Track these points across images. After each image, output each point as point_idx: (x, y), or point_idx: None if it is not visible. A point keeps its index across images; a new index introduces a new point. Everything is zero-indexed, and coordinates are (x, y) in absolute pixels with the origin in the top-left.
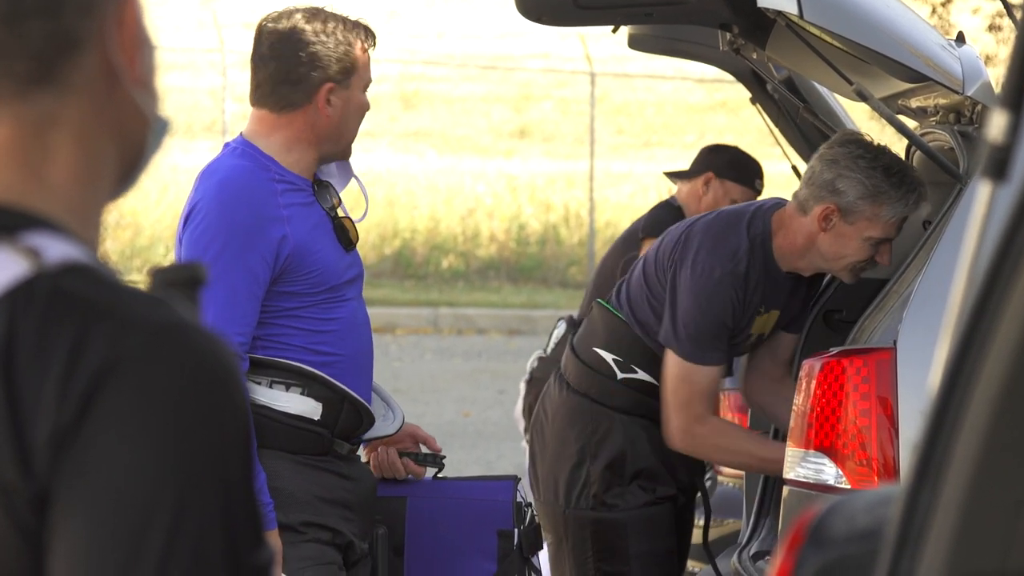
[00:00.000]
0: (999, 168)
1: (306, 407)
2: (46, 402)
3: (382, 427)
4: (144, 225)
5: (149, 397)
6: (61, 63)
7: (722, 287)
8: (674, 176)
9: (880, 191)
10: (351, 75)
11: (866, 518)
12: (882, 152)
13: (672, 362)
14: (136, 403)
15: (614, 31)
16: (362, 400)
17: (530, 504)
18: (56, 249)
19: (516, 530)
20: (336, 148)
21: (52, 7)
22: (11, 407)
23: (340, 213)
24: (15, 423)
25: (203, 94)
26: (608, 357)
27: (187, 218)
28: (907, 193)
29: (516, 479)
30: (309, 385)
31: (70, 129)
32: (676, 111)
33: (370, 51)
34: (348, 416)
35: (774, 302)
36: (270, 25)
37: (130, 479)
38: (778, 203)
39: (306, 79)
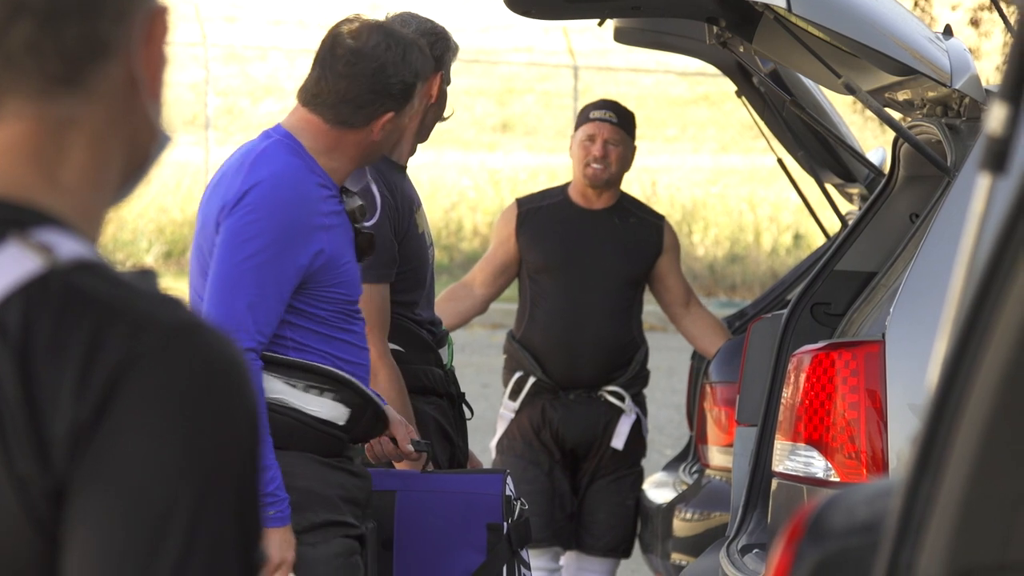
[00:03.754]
0: (998, 160)
1: (335, 412)
2: (64, 398)
3: None
4: (127, 219)
5: (166, 396)
6: (90, 67)
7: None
8: None
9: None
10: (408, 104)
11: (866, 511)
12: None
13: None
14: (153, 402)
15: (600, 24)
16: (384, 408)
17: (519, 498)
18: (67, 246)
19: (505, 523)
20: (370, 163)
21: (90, 10)
22: (28, 399)
23: (361, 223)
24: (32, 415)
25: (185, 88)
26: None
27: (236, 201)
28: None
29: (505, 472)
30: (341, 391)
31: (87, 133)
32: (658, 104)
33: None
34: (369, 422)
35: (416, 200)
36: (350, 41)
37: (149, 477)
38: None
39: (371, 105)
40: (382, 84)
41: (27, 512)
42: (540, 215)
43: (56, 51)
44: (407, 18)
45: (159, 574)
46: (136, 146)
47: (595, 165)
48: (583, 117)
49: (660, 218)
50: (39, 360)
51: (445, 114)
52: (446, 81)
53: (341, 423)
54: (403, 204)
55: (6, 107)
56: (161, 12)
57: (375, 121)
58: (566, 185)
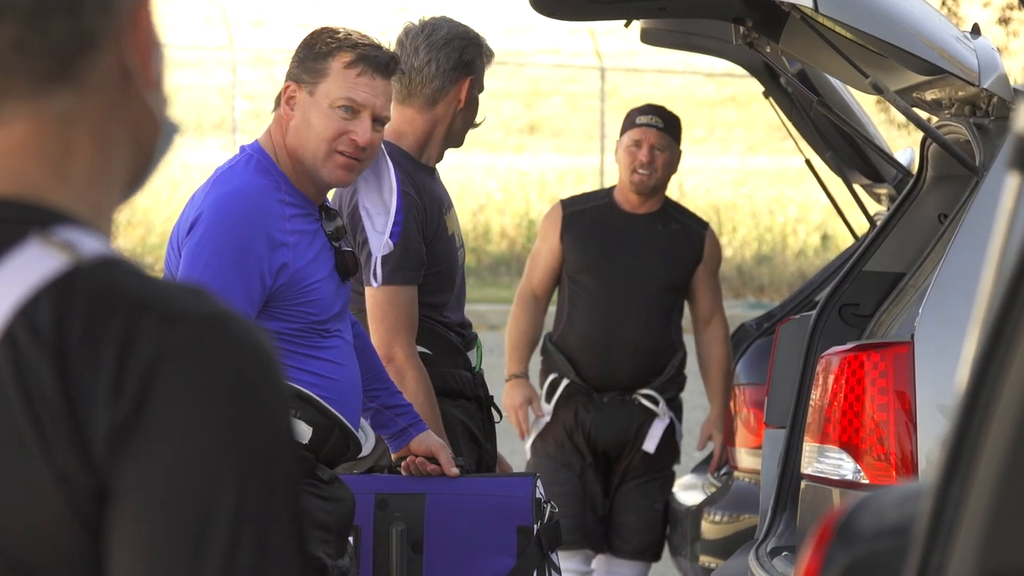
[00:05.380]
0: None
1: (297, 431)
2: (101, 396)
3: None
4: (155, 223)
5: (202, 388)
6: (80, 61)
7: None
8: None
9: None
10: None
11: (895, 514)
12: None
13: (374, 292)
14: (190, 394)
15: (627, 25)
16: (352, 428)
17: (549, 500)
18: (89, 244)
19: (535, 526)
20: (346, 185)
21: (74, 5)
22: (67, 398)
23: (340, 242)
24: (72, 415)
25: (212, 92)
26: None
27: (192, 224)
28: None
29: (535, 475)
30: (303, 408)
31: (88, 128)
32: (686, 105)
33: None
34: (336, 443)
35: (447, 201)
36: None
37: (191, 470)
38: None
39: None
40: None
41: (72, 508)
42: (584, 217)
43: (44, 48)
44: (440, 22)
45: (208, 566)
46: (140, 138)
47: (641, 171)
48: (629, 122)
49: (704, 226)
50: (74, 358)
51: (477, 120)
52: (477, 87)
53: (304, 442)
54: (431, 205)
55: (2, 108)
56: (144, 1)
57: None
58: (611, 188)
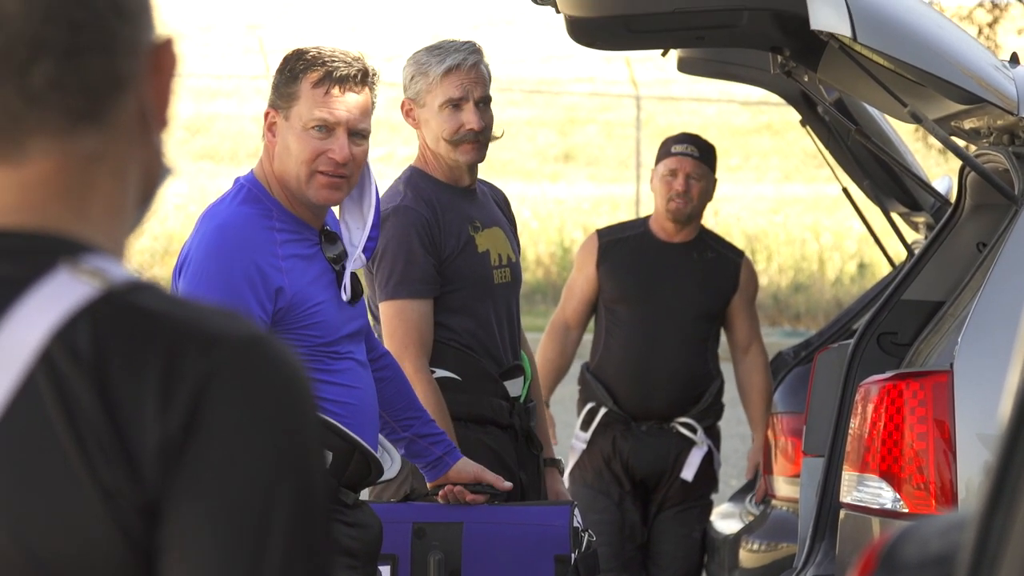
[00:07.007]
0: None
1: None
2: (147, 413)
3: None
4: None
5: (249, 407)
6: (110, 101)
7: (399, 218)
8: None
9: (421, 61)
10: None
11: (939, 543)
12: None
13: (384, 308)
14: (239, 414)
15: (664, 55)
16: (372, 451)
17: (587, 529)
18: (116, 270)
19: (573, 555)
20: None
21: (107, 45)
22: (110, 416)
23: (343, 264)
24: (116, 431)
25: (248, 121)
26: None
27: (183, 260)
28: (439, 51)
29: (573, 504)
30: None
31: (110, 168)
32: (721, 134)
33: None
34: (357, 466)
35: (485, 219)
36: None
37: (246, 487)
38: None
39: None
40: None
41: (118, 525)
42: (621, 247)
43: (79, 87)
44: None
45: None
46: (149, 178)
47: (677, 200)
48: (664, 151)
49: (740, 255)
50: (116, 378)
51: (495, 133)
52: (420, 104)
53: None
54: (450, 221)
55: (33, 146)
56: (168, 43)
57: None
58: (647, 218)
